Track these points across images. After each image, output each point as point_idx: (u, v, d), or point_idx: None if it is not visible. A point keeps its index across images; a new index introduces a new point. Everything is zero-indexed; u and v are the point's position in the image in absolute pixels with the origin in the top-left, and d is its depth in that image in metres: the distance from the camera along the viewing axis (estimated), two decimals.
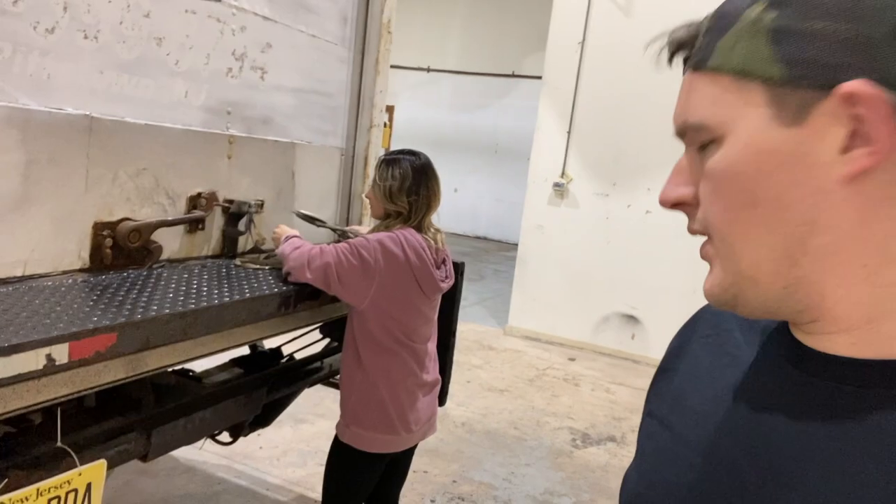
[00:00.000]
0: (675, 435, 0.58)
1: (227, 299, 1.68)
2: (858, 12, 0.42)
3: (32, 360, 1.21)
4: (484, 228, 11.96)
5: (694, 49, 0.51)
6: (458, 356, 4.87)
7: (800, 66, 0.44)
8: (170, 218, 1.91)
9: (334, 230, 2.39)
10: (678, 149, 0.54)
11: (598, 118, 5.71)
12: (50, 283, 1.59)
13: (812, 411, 0.47)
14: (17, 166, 1.52)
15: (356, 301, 1.93)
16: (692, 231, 0.53)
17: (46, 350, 1.23)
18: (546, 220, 5.92)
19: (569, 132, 5.75)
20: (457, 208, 11.33)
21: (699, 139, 0.50)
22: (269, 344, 2.54)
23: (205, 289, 1.73)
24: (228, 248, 2.13)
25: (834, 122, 0.43)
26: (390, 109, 11.53)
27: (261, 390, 2.15)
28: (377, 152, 2.73)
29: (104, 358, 1.37)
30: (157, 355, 1.57)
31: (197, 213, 1.98)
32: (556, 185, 5.80)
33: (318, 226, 2.27)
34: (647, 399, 0.68)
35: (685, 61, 0.52)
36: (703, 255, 0.53)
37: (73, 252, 1.68)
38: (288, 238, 1.99)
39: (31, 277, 1.58)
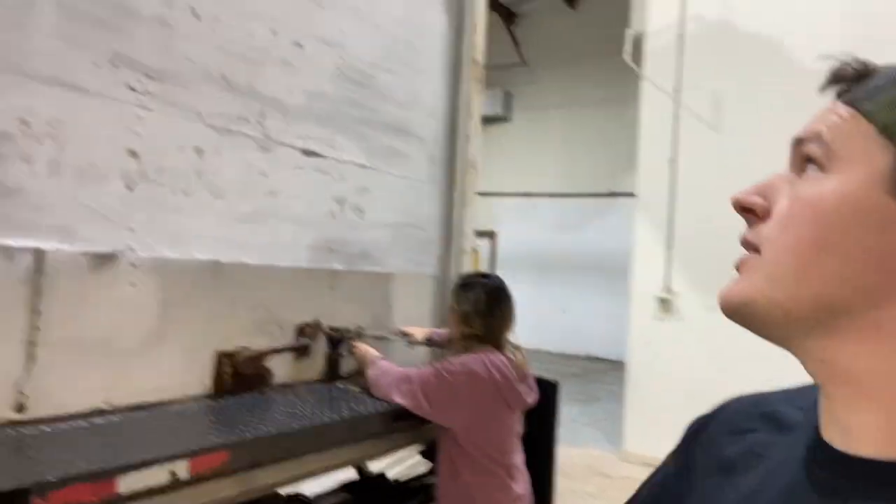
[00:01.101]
0: None
1: (328, 420, 1.81)
2: None
3: (159, 475, 1.37)
4: (595, 348, 11.65)
5: (857, 88, 0.50)
6: (569, 483, 4.66)
7: None
8: (280, 346, 2.12)
9: (399, 339, 2.42)
10: None
11: (699, 231, 5.65)
12: (179, 408, 1.80)
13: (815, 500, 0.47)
14: (157, 306, 1.79)
15: (446, 421, 2.00)
16: (745, 241, 0.53)
17: (170, 466, 1.39)
18: (654, 336, 5.75)
19: (669, 247, 5.71)
20: (565, 329, 11.18)
21: (811, 152, 0.49)
22: (375, 467, 2.62)
23: (308, 410, 1.88)
24: (332, 371, 2.30)
25: None
26: (492, 235, 11.93)
27: None
28: None
29: (220, 474, 1.52)
30: (266, 474, 1.70)
31: (303, 341, 2.18)
32: (661, 300, 5.69)
33: (385, 339, 2.35)
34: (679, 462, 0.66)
35: (840, 93, 0.51)
36: (739, 264, 0.52)
37: (199, 379, 1.91)
38: (373, 361, 2.12)
39: (163, 403, 1.80)
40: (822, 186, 0.48)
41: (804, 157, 0.50)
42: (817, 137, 0.50)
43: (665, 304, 5.70)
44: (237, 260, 2.00)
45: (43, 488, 1.18)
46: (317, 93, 2.27)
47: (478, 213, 3.04)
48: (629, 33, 5.84)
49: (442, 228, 2.87)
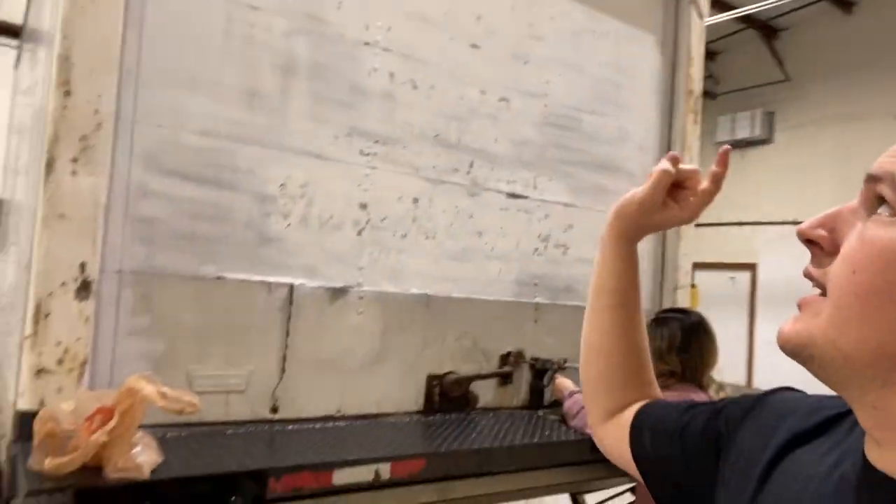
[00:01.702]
0: None
1: (519, 442, 1.95)
2: None
3: (366, 473, 1.65)
4: None
5: None
6: None
7: None
8: (484, 372, 2.32)
9: None
10: None
11: None
12: (393, 420, 2.10)
13: None
14: (378, 332, 2.13)
15: None
16: (809, 275, 0.52)
17: (375, 466, 1.67)
18: None
19: None
20: None
21: (884, 193, 0.48)
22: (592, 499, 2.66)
23: (503, 432, 2.04)
24: (535, 399, 2.43)
25: None
26: (753, 268, 10.90)
27: None
28: None
29: (418, 480, 1.76)
30: (462, 486, 1.90)
31: (506, 369, 2.36)
32: None
33: None
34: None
35: None
36: (803, 302, 0.51)
37: (412, 397, 2.20)
38: (572, 393, 2.20)
39: (382, 415, 2.12)
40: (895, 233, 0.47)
41: (877, 196, 0.49)
42: (891, 179, 0.48)
43: None
44: (446, 293, 2.27)
45: (278, 472, 1.52)
46: (521, 140, 2.48)
47: (698, 247, 2.93)
48: None
49: (654, 263, 2.83)
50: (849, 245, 0.49)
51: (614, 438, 0.81)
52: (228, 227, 1.87)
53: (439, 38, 2.28)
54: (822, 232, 0.51)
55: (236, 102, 1.88)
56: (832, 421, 0.60)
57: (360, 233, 2.10)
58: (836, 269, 0.49)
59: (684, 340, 2.02)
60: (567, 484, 2.24)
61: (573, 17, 2.61)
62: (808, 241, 0.52)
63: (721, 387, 2.03)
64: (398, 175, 2.19)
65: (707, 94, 12.15)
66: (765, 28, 10.92)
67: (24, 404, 1.55)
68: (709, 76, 12.06)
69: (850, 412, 0.57)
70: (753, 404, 0.68)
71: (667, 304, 2.81)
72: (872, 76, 9.54)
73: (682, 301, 2.82)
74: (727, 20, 9.71)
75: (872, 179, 0.50)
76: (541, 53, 2.52)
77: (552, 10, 2.56)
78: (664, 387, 2.03)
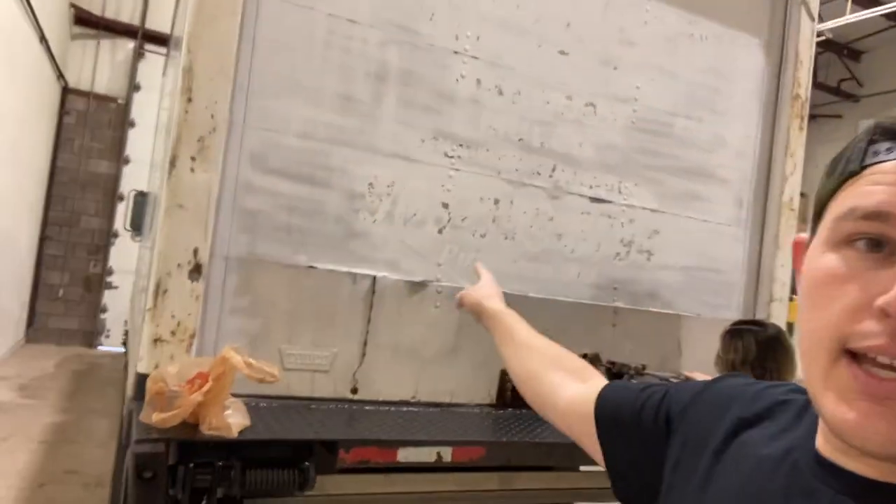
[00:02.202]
0: None
1: None
2: None
3: (428, 454, 1.78)
4: None
5: None
6: None
7: None
8: None
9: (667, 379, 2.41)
10: None
11: None
12: (464, 410, 2.21)
13: None
14: (454, 326, 2.24)
15: None
16: None
17: (438, 449, 1.78)
18: None
19: None
20: None
21: None
22: None
23: None
24: None
25: None
26: None
27: None
28: (782, 326, 2.68)
29: (478, 466, 1.86)
30: (523, 478, 1.98)
31: None
32: None
33: (666, 381, 2.36)
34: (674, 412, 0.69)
35: None
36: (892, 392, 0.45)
37: (484, 390, 2.29)
38: None
39: (454, 405, 2.24)
40: None
41: None
42: None
43: None
44: (523, 293, 2.34)
45: (348, 444, 1.68)
46: (607, 145, 2.49)
47: None
48: None
49: (748, 273, 2.74)
50: None
51: (575, 424, 0.86)
52: (320, 221, 2.06)
53: (527, 46, 2.36)
54: None
55: (332, 107, 2.07)
56: (777, 405, 0.62)
57: (441, 231, 2.23)
58: None
59: (760, 355, 1.96)
60: None
61: (667, 21, 2.58)
62: None
63: None
64: (480, 177, 2.29)
65: (849, 97, 11.24)
66: None
67: (142, 368, 1.82)
68: (851, 77, 11.12)
69: (790, 399, 0.61)
70: (701, 389, 0.71)
71: (761, 317, 2.70)
72: None
73: (779, 315, 2.70)
74: (875, 16, 8.91)
75: None
76: (631, 58, 2.52)
77: (646, 16, 2.55)
78: None
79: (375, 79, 2.12)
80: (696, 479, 0.63)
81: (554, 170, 2.40)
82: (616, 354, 2.48)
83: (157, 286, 1.85)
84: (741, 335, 2.03)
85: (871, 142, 0.48)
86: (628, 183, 2.53)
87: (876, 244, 0.46)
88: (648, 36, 2.55)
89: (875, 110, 10.65)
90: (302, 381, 2.03)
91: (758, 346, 1.97)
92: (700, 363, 2.62)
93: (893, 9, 8.48)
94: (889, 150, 0.47)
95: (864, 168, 0.48)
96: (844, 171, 0.50)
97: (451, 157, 2.25)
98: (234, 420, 1.60)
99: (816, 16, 2.73)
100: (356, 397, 2.09)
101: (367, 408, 2.05)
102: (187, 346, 1.87)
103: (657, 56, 2.57)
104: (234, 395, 1.73)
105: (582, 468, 2.09)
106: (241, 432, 1.60)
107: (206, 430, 1.56)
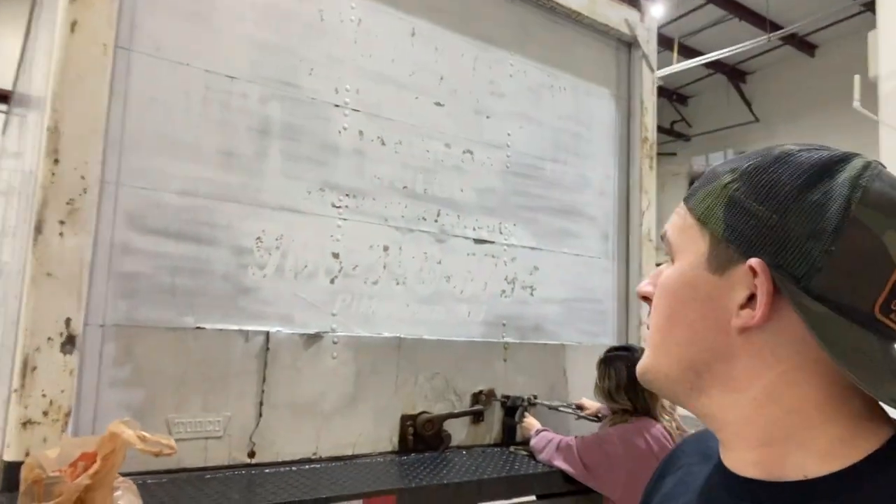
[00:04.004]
0: None
1: (487, 476, 2.04)
2: (788, 210, 0.54)
3: None
4: None
5: (690, 188, 0.65)
6: None
7: (734, 233, 0.57)
8: (456, 411, 2.41)
9: (569, 412, 2.53)
10: None
11: None
12: (368, 461, 2.18)
13: None
14: (352, 375, 2.23)
15: (604, 489, 2.08)
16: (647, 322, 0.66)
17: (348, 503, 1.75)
18: None
19: None
20: None
21: (666, 248, 0.65)
22: None
23: (474, 468, 2.13)
24: (507, 436, 2.52)
25: (742, 283, 0.56)
26: None
27: None
28: None
29: None
30: None
31: (477, 408, 2.45)
32: None
33: (556, 410, 2.49)
34: None
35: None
36: (645, 340, 0.67)
37: (387, 437, 2.28)
38: (538, 432, 2.29)
39: (357, 456, 2.20)
40: (669, 272, 0.63)
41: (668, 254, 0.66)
42: (665, 237, 0.66)
43: None
44: (417, 336, 2.38)
45: None
46: (486, 189, 2.63)
47: None
48: (857, 80, 5.33)
49: (618, 300, 2.97)
50: (652, 290, 0.65)
51: None
52: (207, 280, 1.98)
53: (405, 98, 2.45)
54: (650, 288, 0.65)
55: (214, 163, 2.02)
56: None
57: (332, 281, 2.22)
58: (651, 311, 0.65)
59: (631, 379, 2.11)
60: None
61: (530, 74, 2.80)
62: (644, 298, 0.67)
63: (671, 415, 2.13)
64: (369, 225, 2.33)
65: (681, 136, 12.58)
66: (733, 72, 11.38)
67: (11, 456, 1.63)
68: (681, 119, 12.48)
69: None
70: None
71: (633, 340, 2.93)
72: (837, 114, 9.92)
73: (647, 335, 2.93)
74: (698, 66, 10.11)
75: (663, 237, 0.66)
76: (501, 108, 2.70)
77: (511, 69, 2.75)
78: (621, 422, 2.15)
79: (258, 133, 2.11)
80: None
81: (439, 214, 2.49)
82: (509, 388, 2.58)
83: (25, 363, 1.68)
84: (613, 362, 2.19)
85: None
86: (508, 223, 2.68)
87: None
88: (515, 87, 2.75)
89: (703, 147, 12.00)
90: (194, 451, 1.92)
91: (628, 371, 2.13)
92: (585, 389, 2.78)
93: (711, 59, 9.68)
94: None
95: None
96: None
97: (339, 206, 2.27)
98: (124, 502, 1.48)
99: (655, 66, 3.07)
100: (254, 461, 2.00)
101: (266, 471, 1.97)
102: (62, 425, 1.71)
103: (524, 105, 2.77)
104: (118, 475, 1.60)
105: None
106: None
107: None
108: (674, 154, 12.52)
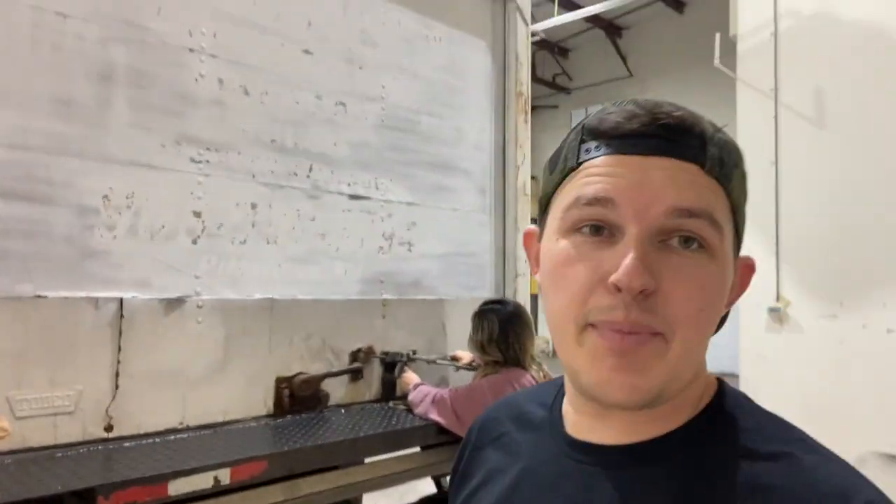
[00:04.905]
0: None
1: (363, 433, 2.03)
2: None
3: (204, 480, 1.67)
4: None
5: (707, 154, 0.53)
6: None
7: (742, 230, 0.57)
8: (334, 370, 2.38)
9: (446, 363, 2.58)
10: None
11: (809, 235, 5.31)
12: (241, 427, 2.11)
13: (586, 489, 0.55)
14: (220, 339, 2.12)
15: None
16: (635, 323, 0.50)
17: (214, 473, 1.68)
18: (767, 349, 5.43)
19: (777, 254, 5.39)
20: None
21: (696, 230, 0.51)
22: None
23: (352, 426, 2.12)
24: (387, 392, 2.53)
25: (732, 273, 0.56)
26: None
27: None
28: (525, 299, 3.01)
29: (261, 482, 1.79)
30: (309, 483, 1.96)
31: (355, 366, 2.43)
32: (772, 309, 5.37)
33: (434, 363, 2.53)
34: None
35: (665, 149, 0.53)
36: (632, 350, 0.50)
37: (261, 401, 2.22)
38: (416, 386, 2.32)
39: (229, 423, 2.13)
40: (717, 261, 0.53)
41: (684, 230, 0.51)
42: (705, 215, 0.51)
43: (776, 314, 5.37)
44: (291, 296, 2.30)
45: (106, 489, 1.50)
46: (361, 143, 2.55)
47: None
48: (717, 37, 5.66)
49: (495, 254, 3.02)
50: (675, 282, 0.51)
51: None
52: (46, 243, 1.79)
53: (270, 44, 2.30)
54: (650, 280, 0.50)
55: (48, 113, 1.81)
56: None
57: (195, 241, 2.09)
58: (671, 310, 0.50)
59: (502, 331, 2.17)
60: (417, 469, 2.35)
61: (405, 23, 2.72)
62: (639, 293, 0.50)
63: (540, 365, 2.22)
64: (234, 181, 2.19)
65: (562, 90, 12.90)
66: (610, 27, 11.73)
67: None
68: (563, 73, 12.77)
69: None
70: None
71: (509, 292, 3.01)
72: (702, 71, 10.55)
73: (523, 288, 3.03)
74: (577, 20, 10.32)
75: (686, 214, 0.51)
76: (375, 58, 2.61)
77: (384, 17, 2.65)
78: (492, 373, 2.21)
79: (99, 79, 1.90)
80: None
81: (311, 170, 2.39)
82: (388, 344, 2.57)
83: None
84: (486, 315, 2.23)
85: (582, 141, 0.56)
86: (384, 179, 2.62)
87: (597, 229, 0.53)
88: (388, 37, 2.66)
89: (583, 100, 12.40)
90: (41, 429, 1.76)
91: (500, 324, 2.18)
92: (464, 343, 2.82)
93: (591, 13, 9.91)
94: (597, 147, 0.54)
95: (579, 164, 0.55)
96: (565, 168, 0.56)
97: (199, 161, 2.11)
98: None
99: (529, 20, 3.08)
100: (112, 435, 1.87)
101: (126, 444, 1.86)
102: None
103: (398, 56, 2.69)
104: None
105: (367, 460, 2.14)
106: None
107: None
108: (556, 107, 12.84)
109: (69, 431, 1.81)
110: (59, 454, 1.74)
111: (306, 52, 2.39)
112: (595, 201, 0.52)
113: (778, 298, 5.37)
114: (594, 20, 11.13)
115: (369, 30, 2.59)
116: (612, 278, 0.50)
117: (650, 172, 0.52)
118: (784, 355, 5.34)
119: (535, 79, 12.60)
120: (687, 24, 11.06)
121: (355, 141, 2.54)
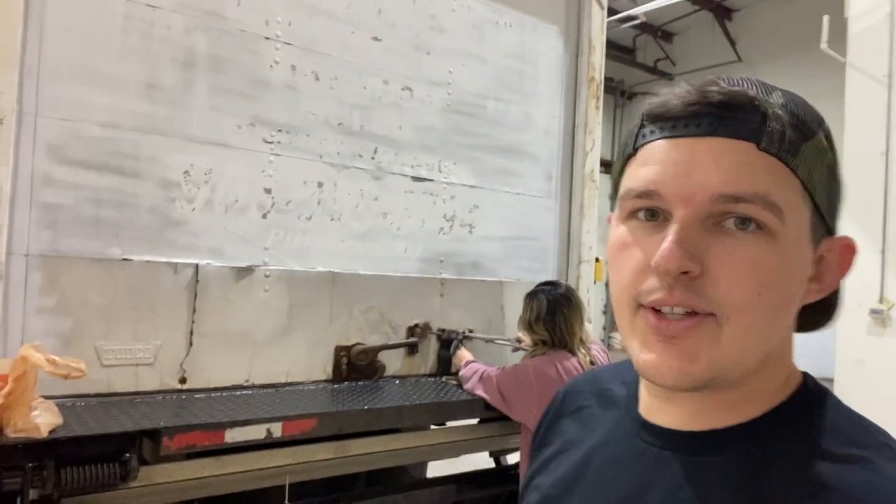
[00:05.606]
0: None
1: (409, 402, 2.14)
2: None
3: (257, 432, 1.83)
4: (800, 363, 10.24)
5: (766, 129, 0.50)
6: None
7: (829, 207, 0.54)
8: (390, 343, 2.50)
9: (504, 343, 2.63)
10: None
11: None
12: (302, 388, 2.27)
13: (653, 471, 0.56)
14: (285, 307, 2.29)
15: (524, 418, 2.19)
16: (685, 304, 0.50)
17: (267, 426, 1.84)
18: (867, 354, 5.06)
19: (883, 251, 5.01)
20: None
21: (749, 213, 0.50)
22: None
23: (402, 396, 2.23)
24: (442, 367, 2.62)
25: (814, 257, 0.54)
26: None
27: (451, 486, 2.45)
28: (588, 285, 3.00)
29: (311, 437, 1.94)
30: (357, 444, 2.09)
31: (411, 340, 2.54)
32: (874, 311, 5.00)
33: (492, 342, 2.59)
34: (532, 472, 0.71)
35: (717, 127, 0.51)
36: (684, 331, 0.51)
37: (320, 367, 2.37)
38: (468, 363, 2.39)
39: (291, 384, 2.30)
40: (780, 244, 0.50)
41: (735, 213, 0.50)
42: (765, 201, 0.50)
43: (879, 317, 4.99)
44: (352, 270, 2.44)
45: (171, 431, 1.69)
46: (425, 127, 2.64)
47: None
48: (826, 20, 5.29)
49: (559, 239, 3.03)
50: (727, 266, 0.50)
51: None
52: (133, 213, 2.01)
53: (341, 32, 2.43)
54: (692, 264, 0.49)
55: (137, 95, 2.02)
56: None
57: (265, 216, 2.26)
58: (721, 292, 0.50)
59: (549, 312, 2.20)
60: (472, 441, 2.43)
61: (475, 9, 2.77)
62: (678, 277, 0.50)
63: (588, 349, 2.22)
64: (302, 161, 2.34)
65: (665, 75, 12.40)
66: (719, 9, 11.14)
67: None
68: (665, 58, 12.28)
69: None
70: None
71: (572, 278, 3.01)
72: (815, 56, 9.83)
73: (586, 274, 3.02)
74: (683, 1, 9.89)
75: (733, 200, 0.50)
76: (443, 44, 2.68)
77: (454, 4, 2.71)
78: (539, 353, 2.24)
79: (182, 65, 2.10)
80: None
81: (376, 152, 2.51)
82: (445, 322, 2.66)
83: None
84: (536, 295, 2.27)
85: (641, 126, 0.56)
86: (447, 162, 2.70)
87: (652, 214, 0.53)
88: (457, 23, 2.72)
89: None
90: (124, 377, 1.99)
91: (548, 304, 2.21)
92: None
93: None
94: (651, 132, 0.54)
95: (636, 150, 0.55)
96: (624, 154, 0.57)
97: (271, 142, 2.28)
98: (42, 420, 1.56)
99: (605, 3, 3.03)
100: (185, 387, 2.08)
101: (197, 396, 2.06)
102: None
103: (466, 42, 2.75)
104: (50, 398, 1.67)
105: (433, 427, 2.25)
106: (52, 431, 1.56)
107: (12, 433, 1.51)
108: (656, 94, 12.37)
109: (148, 381, 2.03)
110: (138, 400, 1.96)
111: (375, 38, 2.50)
112: (643, 194, 0.53)
113: (881, 300, 4.99)
114: (702, 1, 10.63)
115: (438, 16, 2.67)
116: (653, 261, 0.51)
117: (696, 156, 0.51)
118: (886, 361, 4.95)
119: (635, 64, 12.19)
120: (803, 7, 10.32)
121: (420, 124, 2.63)
